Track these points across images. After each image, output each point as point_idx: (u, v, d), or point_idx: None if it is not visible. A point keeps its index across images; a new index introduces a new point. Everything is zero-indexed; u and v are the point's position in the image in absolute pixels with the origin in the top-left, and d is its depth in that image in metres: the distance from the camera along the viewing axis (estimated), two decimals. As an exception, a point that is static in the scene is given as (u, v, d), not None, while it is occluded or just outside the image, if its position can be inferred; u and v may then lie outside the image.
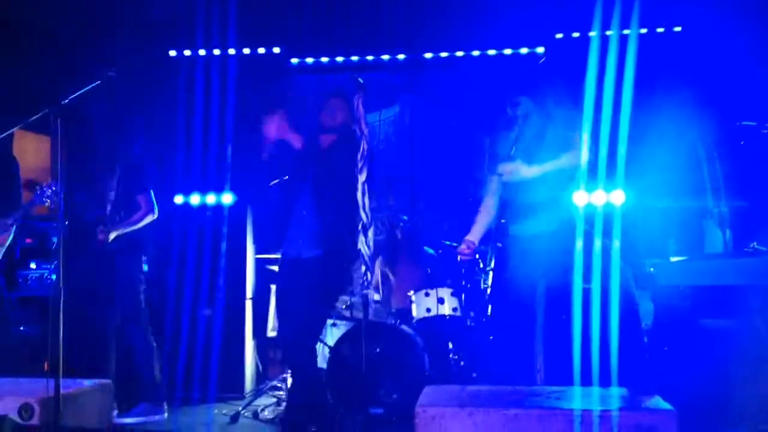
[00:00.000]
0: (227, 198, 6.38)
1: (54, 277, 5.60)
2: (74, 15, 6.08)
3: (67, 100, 3.60)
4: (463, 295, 5.62)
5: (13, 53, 6.13)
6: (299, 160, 4.30)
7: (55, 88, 4.11)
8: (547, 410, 3.29)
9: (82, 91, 3.75)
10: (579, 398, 3.48)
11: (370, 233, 3.59)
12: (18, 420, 3.53)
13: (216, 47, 6.57)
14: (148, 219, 5.22)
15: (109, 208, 5.07)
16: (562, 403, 3.40)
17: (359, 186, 3.59)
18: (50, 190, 4.91)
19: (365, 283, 3.60)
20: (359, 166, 3.59)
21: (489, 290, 4.74)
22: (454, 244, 6.46)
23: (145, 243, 5.39)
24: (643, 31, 6.64)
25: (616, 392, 3.70)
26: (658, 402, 3.41)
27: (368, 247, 3.57)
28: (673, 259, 5.27)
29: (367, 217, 3.58)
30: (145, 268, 5.51)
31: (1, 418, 3.50)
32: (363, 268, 3.61)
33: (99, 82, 3.78)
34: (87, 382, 3.93)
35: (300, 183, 4.31)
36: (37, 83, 5.81)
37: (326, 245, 4.11)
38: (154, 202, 5.24)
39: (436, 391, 3.74)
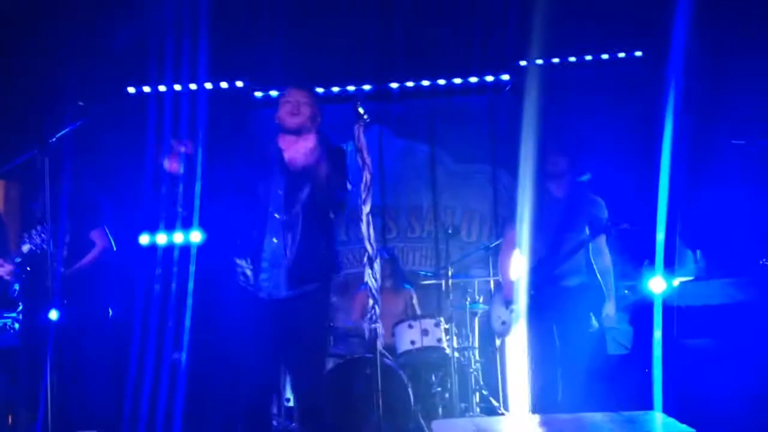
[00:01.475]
0: (195, 236, 6.18)
1: (17, 326, 5.33)
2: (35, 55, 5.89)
3: (54, 139, 3.43)
4: (450, 325, 5.53)
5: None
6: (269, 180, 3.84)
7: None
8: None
9: (66, 129, 3.58)
10: (600, 426, 3.40)
11: (377, 265, 3.48)
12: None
13: (178, 82, 6.41)
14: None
15: (65, 249, 4.87)
16: None
17: (363, 217, 3.48)
18: (41, 236, 4.65)
19: (373, 317, 3.49)
20: (363, 197, 3.49)
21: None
22: (429, 274, 6.42)
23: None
24: (605, 56, 6.77)
25: (628, 417, 3.64)
26: (677, 426, 3.36)
27: (375, 279, 3.46)
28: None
29: (372, 248, 3.47)
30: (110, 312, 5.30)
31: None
32: (371, 301, 3.49)
33: (84, 120, 3.61)
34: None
35: (266, 206, 3.82)
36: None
37: (309, 281, 3.79)
38: (110, 238, 5.03)
39: (447, 426, 3.63)
